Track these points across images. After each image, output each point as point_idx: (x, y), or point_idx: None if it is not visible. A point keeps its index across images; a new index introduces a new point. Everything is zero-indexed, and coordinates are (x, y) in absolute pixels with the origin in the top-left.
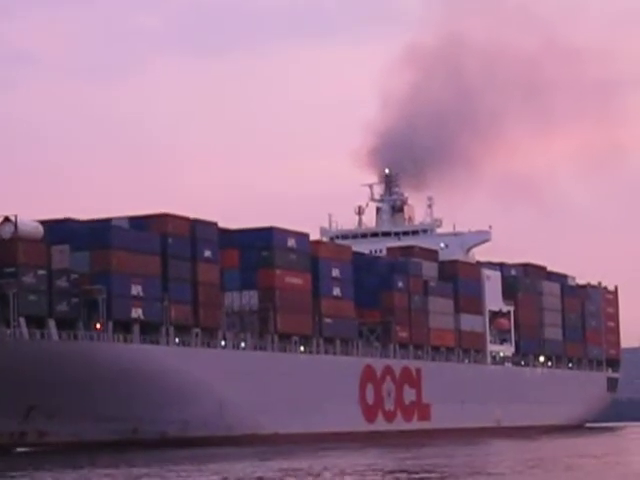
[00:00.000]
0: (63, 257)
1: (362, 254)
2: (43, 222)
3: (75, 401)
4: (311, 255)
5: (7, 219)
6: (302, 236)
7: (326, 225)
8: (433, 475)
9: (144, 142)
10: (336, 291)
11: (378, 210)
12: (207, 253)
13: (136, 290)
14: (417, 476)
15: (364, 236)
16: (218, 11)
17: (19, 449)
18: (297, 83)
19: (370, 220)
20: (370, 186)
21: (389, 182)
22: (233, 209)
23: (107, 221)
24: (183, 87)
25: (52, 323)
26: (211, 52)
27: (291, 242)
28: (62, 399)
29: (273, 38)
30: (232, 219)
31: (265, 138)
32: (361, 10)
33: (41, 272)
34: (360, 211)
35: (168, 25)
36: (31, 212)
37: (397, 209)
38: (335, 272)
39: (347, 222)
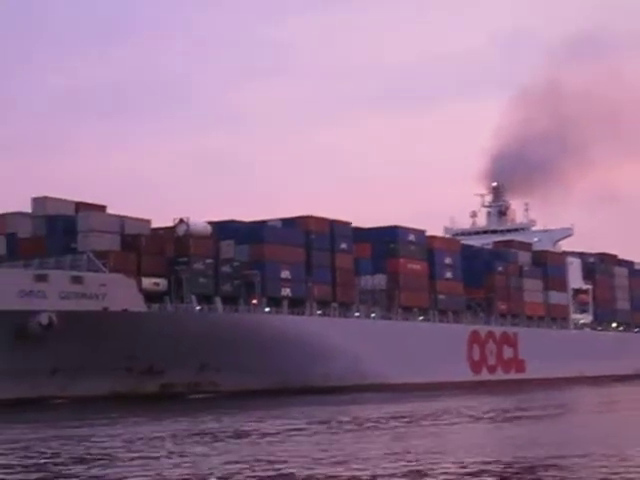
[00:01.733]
0: (229, 249)
1: (471, 246)
2: (214, 223)
3: (237, 358)
4: (427, 247)
5: (182, 220)
6: (420, 232)
7: (449, 225)
8: (531, 412)
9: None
10: (448, 274)
11: (488, 214)
12: (343, 245)
13: (285, 274)
14: (517, 413)
15: (477, 233)
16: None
17: (194, 396)
18: (430, 122)
19: (481, 221)
20: (481, 195)
21: (496, 192)
22: (367, 211)
23: (264, 222)
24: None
25: (218, 300)
26: (376, 109)
27: (411, 237)
28: (227, 357)
29: (419, 95)
30: (366, 219)
31: (402, 164)
32: (475, 67)
33: (209, 261)
34: (474, 214)
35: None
36: (205, 215)
37: (502, 213)
38: (447, 260)
39: (464, 223)
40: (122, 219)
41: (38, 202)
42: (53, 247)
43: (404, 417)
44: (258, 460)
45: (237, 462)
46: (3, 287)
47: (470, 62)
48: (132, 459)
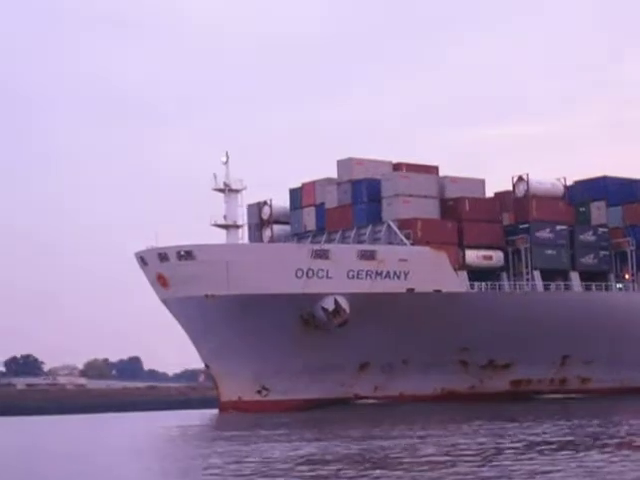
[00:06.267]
0: (600, 213)
1: None
2: (579, 181)
3: (612, 349)
4: None
5: (520, 178)
6: None
7: None
8: None
9: None
10: None
11: None
12: None
13: None
14: None
15: None
16: None
17: (552, 395)
18: None
19: None
20: None
21: None
22: None
23: None
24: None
25: (575, 276)
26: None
27: None
28: (597, 347)
29: None
30: None
31: None
32: None
33: (560, 227)
34: None
35: None
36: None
37: None
38: None
39: None
40: (442, 180)
41: (343, 165)
42: (360, 217)
43: None
44: None
45: None
46: (279, 266)
47: None
48: None
